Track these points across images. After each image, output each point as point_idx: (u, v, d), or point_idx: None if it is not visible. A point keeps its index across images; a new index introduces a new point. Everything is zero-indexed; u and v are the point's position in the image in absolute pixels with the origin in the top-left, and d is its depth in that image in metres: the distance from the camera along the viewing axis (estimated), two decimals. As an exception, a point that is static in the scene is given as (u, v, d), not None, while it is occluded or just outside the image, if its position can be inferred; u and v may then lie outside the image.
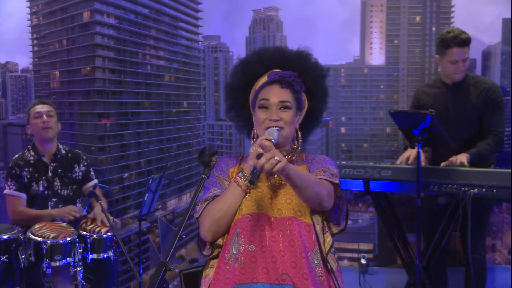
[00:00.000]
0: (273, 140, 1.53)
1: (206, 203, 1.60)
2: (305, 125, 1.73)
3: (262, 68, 1.68)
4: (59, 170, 2.80)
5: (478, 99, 2.64)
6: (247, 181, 1.53)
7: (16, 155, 2.80)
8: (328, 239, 1.59)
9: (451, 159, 2.51)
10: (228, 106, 1.77)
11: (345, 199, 1.65)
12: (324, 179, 1.58)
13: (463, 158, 2.50)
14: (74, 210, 2.65)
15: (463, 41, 2.57)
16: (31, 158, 2.76)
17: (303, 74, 1.66)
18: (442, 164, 2.53)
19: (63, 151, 2.84)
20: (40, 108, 2.77)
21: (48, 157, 2.79)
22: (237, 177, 1.57)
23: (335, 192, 1.59)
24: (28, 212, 2.67)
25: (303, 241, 1.49)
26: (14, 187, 2.69)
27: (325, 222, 1.62)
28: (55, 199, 2.76)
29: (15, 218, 2.67)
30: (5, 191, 2.70)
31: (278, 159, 1.38)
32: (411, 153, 2.52)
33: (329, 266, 1.54)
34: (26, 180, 2.71)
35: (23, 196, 2.70)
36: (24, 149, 2.86)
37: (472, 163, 2.51)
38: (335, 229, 1.64)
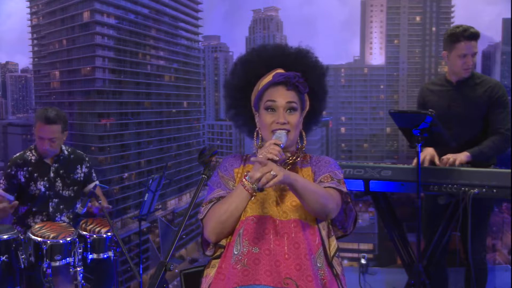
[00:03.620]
0: (281, 144, 1.52)
1: (211, 204, 1.58)
2: (306, 125, 1.71)
3: (264, 67, 1.65)
4: (61, 171, 2.80)
5: (483, 97, 2.63)
6: (256, 187, 1.52)
7: (17, 154, 2.77)
8: (334, 243, 1.57)
9: (446, 157, 2.50)
10: (228, 105, 1.75)
11: (353, 202, 1.62)
12: (332, 188, 1.55)
13: (462, 156, 2.49)
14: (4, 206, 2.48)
15: (473, 34, 2.58)
16: (32, 158, 2.75)
17: (305, 74, 1.64)
18: (438, 163, 2.52)
19: (66, 152, 2.84)
20: (44, 132, 2.66)
21: (51, 159, 2.79)
22: (244, 180, 1.52)
23: (342, 199, 1.57)
24: None
25: (308, 244, 1.47)
26: (3, 187, 2.67)
27: (330, 226, 1.61)
28: (56, 200, 2.76)
29: None
30: None
31: (273, 173, 1.35)
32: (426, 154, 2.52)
33: (334, 271, 1.54)
34: (23, 179, 2.70)
35: (9, 197, 2.66)
36: (25, 148, 2.85)
37: (472, 163, 2.51)
38: (339, 233, 1.61)
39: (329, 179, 1.58)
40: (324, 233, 1.56)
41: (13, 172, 2.68)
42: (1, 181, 2.68)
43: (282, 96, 1.59)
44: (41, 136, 2.66)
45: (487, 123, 2.65)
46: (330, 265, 1.52)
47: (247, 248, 1.47)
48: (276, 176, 1.35)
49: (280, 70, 1.64)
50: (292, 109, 1.59)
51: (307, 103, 1.68)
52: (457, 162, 2.46)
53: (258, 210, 1.53)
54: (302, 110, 1.66)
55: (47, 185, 2.74)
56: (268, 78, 1.63)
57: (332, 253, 1.55)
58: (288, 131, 1.58)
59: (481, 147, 2.56)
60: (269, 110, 1.59)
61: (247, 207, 1.54)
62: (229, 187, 1.62)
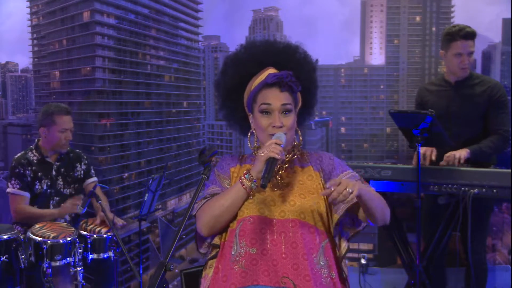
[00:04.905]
0: (281, 144, 1.52)
1: (205, 200, 1.59)
2: (300, 120, 1.71)
3: (254, 65, 1.65)
4: (62, 170, 2.83)
5: (482, 97, 2.63)
6: (255, 187, 1.51)
7: (18, 154, 2.81)
8: (344, 244, 1.58)
9: (447, 155, 2.50)
10: (220, 105, 1.74)
11: None
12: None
13: (463, 152, 2.49)
14: (73, 203, 2.64)
15: (468, 33, 2.58)
16: (34, 158, 2.77)
17: (295, 70, 1.63)
18: (441, 163, 2.52)
19: (66, 151, 2.87)
20: (68, 123, 2.78)
21: (53, 157, 2.81)
22: (243, 178, 1.54)
23: None
24: (30, 210, 2.68)
25: (306, 243, 1.48)
26: (18, 186, 2.71)
27: (337, 227, 1.60)
28: (57, 198, 2.78)
29: (18, 216, 2.69)
30: (8, 190, 2.71)
31: (350, 190, 1.35)
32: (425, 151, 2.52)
33: (344, 274, 1.54)
34: (29, 179, 2.72)
35: (27, 195, 2.71)
36: (25, 148, 2.86)
37: (472, 163, 2.50)
38: (351, 231, 1.60)
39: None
40: (332, 233, 1.56)
41: (21, 171, 2.71)
42: (13, 181, 2.71)
43: (276, 99, 1.59)
44: (65, 128, 2.77)
45: (485, 122, 2.66)
46: (338, 266, 1.52)
47: (244, 249, 1.47)
48: (353, 192, 1.35)
49: (272, 70, 1.63)
50: (287, 111, 1.60)
51: (299, 99, 1.68)
52: (456, 161, 2.46)
53: (255, 211, 1.53)
54: (296, 108, 1.66)
55: (49, 183, 2.76)
56: (261, 78, 1.62)
57: (342, 253, 1.55)
58: (284, 134, 1.58)
59: (481, 145, 2.57)
60: (264, 113, 1.60)
61: (244, 207, 1.54)
62: (224, 185, 1.62)
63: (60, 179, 2.82)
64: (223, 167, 1.67)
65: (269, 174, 1.45)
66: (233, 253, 1.48)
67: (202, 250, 1.60)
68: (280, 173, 1.62)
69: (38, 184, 2.74)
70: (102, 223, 2.65)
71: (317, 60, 1.73)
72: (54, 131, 2.73)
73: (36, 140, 2.84)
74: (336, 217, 1.56)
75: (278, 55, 1.67)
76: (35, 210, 2.69)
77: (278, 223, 1.51)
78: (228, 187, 1.62)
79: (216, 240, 1.57)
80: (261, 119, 1.60)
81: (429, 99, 2.76)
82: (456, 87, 2.68)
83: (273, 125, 1.58)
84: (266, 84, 1.60)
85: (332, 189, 1.36)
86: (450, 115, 2.66)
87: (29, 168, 2.73)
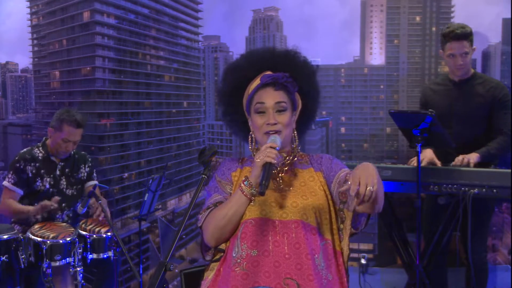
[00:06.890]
0: (277, 148, 1.52)
1: (209, 211, 1.58)
2: (301, 124, 1.72)
3: (253, 71, 1.66)
4: (67, 170, 2.83)
5: (484, 97, 2.63)
6: (255, 192, 1.51)
7: (25, 150, 2.82)
8: (346, 246, 1.58)
9: (458, 158, 2.49)
10: (222, 111, 1.75)
11: None
12: None
13: (473, 157, 2.48)
14: (47, 204, 2.60)
15: (459, 35, 2.56)
16: (40, 155, 2.78)
17: (294, 74, 1.63)
18: (452, 164, 2.51)
19: (72, 152, 2.87)
20: (73, 136, 2.74)
21: (58, 157, 2.82)
22: (243, 186, 1.53)
23: None
24: (11, 205, 2.68)
25: (309, 244, 1.48)
26: (13, 181, 2.70)
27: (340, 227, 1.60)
28: (58, 198, 2.78)
29: (1, 208, 2.70)
30: (4, 183, 2.71)
31: (371, 188, 1.35)
32: (424, 157, 2.51)
33: (347, 275, 1.55)
34: (30, 174, 2.72)
35: (19, 191, 2.71)
36: (25, 148, 2.87)
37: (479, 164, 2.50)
38: (351, 231, 1.61)
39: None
40: (335, 237, 1.56)
41: (22, 167, 2.70)
42: (10, 175, 2.71)
43: (270, 97, 1.59)
44: (69, 139, 2.73)
45: (488, 122, 2.65)
46: (338, 268, 1.53)
47: (246, 251, 1.47)
48: (374, 189, 1.35)
49: (268, 73, 1.63)
50: (281, 109, 1.60)
51: (299, 103, 1.68)
52: (471, 164, 2.45)
53: (257, 213, 1.53)
54: (294, 109, 1.66)
55: (52, 182, 2.76)
56: (257, 81, 1.63)
57: (345, 257, 1.56)
58: (279, 131, 1.58)
59: (489, 147, 2.55)
60: (259, 113, 1.60)
61: (246, 210, 1.54)
62: (226, 192, 1.62)
63: (64, 179, 2.82)
64: (224, 173, 1.67)
65: (267, 180, 1.45)
66: (234, 255, 1.48)
67: (208, 258, 1.61)
68: (281, 175, 1.62)
69: (39, 181, 2.74)
70: (100, 222, 2.64)
71: (317, 65, 1.73)
72: (58, 137, 2.73)
73: (44, 138, 2.86)
74: (350, 214, 1.57)
75: (276, 59, 1.67)
76: (15, 205, 2.68)
77: (281, 224, 1.51)
78: (231, 191, 1.62)
79: (222, 245, 1.57)
80: (257, 119, 1.61)
81: (433, 99, 2.76)
82: (459, 86, 2.68)
83: (268, 122, 1.58)
84: (262, 85, 1.61)
85: (356, 192, 1.35)
86: (452, 114, 2.66)
87: (32, 164, 2.73)
